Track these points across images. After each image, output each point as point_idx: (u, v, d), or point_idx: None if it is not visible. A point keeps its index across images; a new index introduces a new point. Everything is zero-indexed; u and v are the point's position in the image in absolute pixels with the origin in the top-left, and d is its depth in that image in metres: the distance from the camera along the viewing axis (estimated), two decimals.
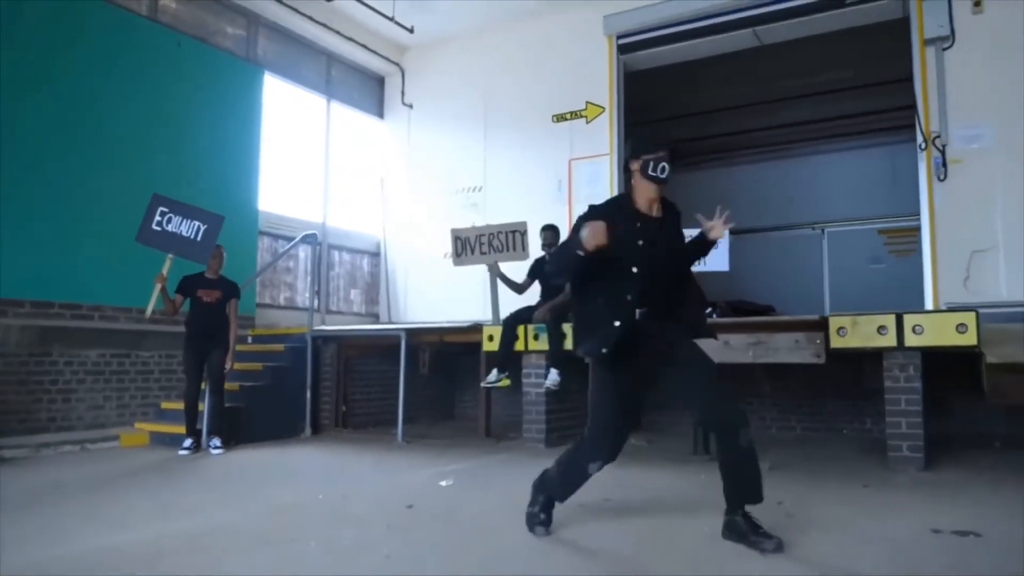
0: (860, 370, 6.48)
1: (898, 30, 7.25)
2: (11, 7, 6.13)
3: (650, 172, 3.00)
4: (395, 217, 9.68)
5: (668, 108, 10.85)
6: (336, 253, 9.17)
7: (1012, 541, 3.09)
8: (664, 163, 2.98)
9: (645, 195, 3.07)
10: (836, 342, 5.10)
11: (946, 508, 3.72)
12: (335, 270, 9.14)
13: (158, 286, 5.69)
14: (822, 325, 5.18)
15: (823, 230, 11.74)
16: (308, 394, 7.05)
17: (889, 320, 5.00)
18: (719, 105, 10.94)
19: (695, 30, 7.86)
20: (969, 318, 4.81)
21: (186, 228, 5.82)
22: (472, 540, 3.17)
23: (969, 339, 4.78)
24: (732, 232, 11.65)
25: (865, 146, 11.39)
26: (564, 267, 3.07)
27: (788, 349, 5.34)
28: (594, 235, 2.77)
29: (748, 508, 2.98)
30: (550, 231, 6.61)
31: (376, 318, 9.62)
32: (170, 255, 5.75)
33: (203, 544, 3.11)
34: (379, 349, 7.74)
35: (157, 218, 5.73)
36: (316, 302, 8.21)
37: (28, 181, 6.13)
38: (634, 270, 2.96)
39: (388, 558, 2.85)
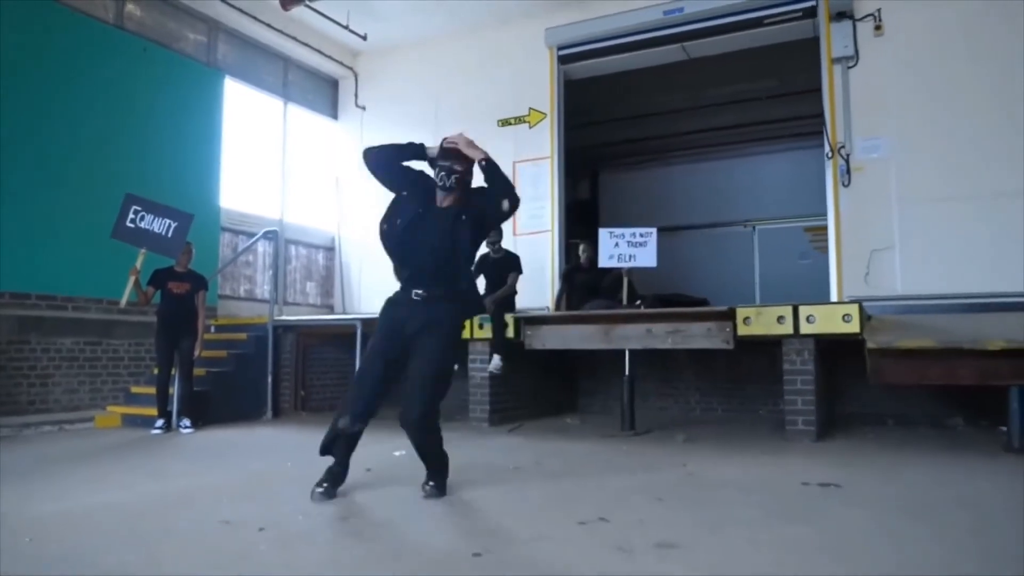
0: (775, 357, 7.25)
1: (812, 47, 8.04)
2: None
3: (437, 181, 3.54)
4: (349, 213, 10.18)
5: (606, 112, 11.57)
6: (293, 247, 9.65)
7: (863, 490, 3.84)
8: (446, 174, 3.49)
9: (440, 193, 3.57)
10: (742, 330, 5.85)
11: (821, 468, 4.46)
12: (292, 264, 9.62)
13: (132, 279, 6.13)
14: (730, 315, 5.92)
15: (754, 227, 12.62)
16: (269, 379, 7.57)
17: (787, 311, 5.76)
18: (653, 110, 11.69)
19: (629, 44, 8.53)
20: (853, 309, 5.60)
21: (158, 225, 6.27)
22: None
23: (853, 327, 5.56)
24: (668, 229, 12.32)
25: (791, 148, 12.23)
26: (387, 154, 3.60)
27: (702, 336, 6.07)
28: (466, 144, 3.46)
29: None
30: (494, 230, 7.23)
31: (331, 309, 10.12)
32: (143, 250, 6.19)
33: (196, 498, 3.67)
34: (335, 338, 8.28)
35: (130, 216, 6.17)
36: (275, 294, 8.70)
37: (3, 182, 6.50)
38: (408, 252, 3.55)
39: (356, 503, 3.45)
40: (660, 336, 6.17)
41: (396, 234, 3.55)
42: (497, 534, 2.97)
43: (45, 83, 6.89)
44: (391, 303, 3.67)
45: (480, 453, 5.20)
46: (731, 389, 7.90)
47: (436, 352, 3.46)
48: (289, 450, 5.49)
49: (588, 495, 3.73)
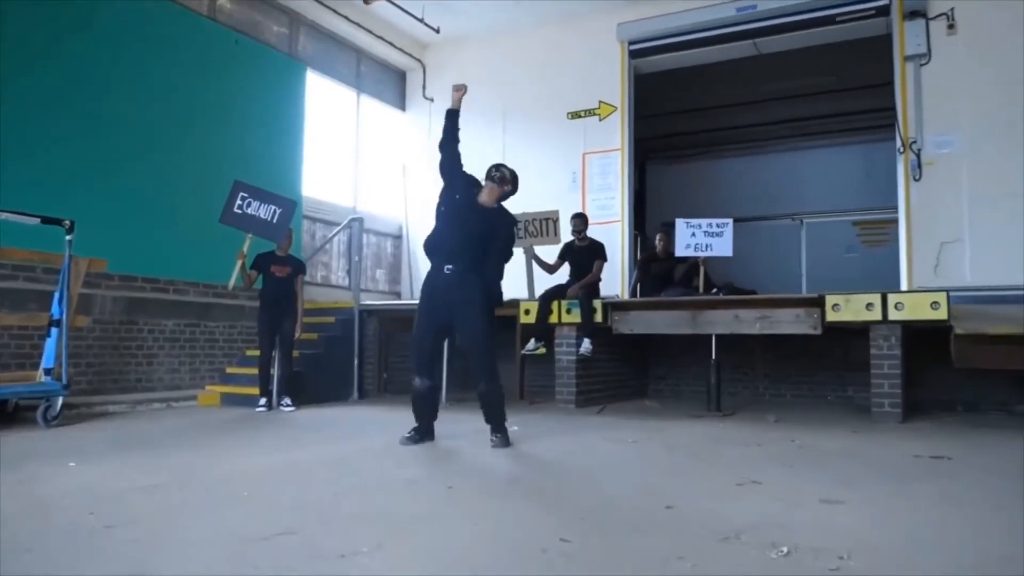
0: (847, 345, 7.43)
1: (879, 43, 8.18)
2: (88, 8, 6.73)
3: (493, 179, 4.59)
4: (416, 203, 10.42)
5: (669, 104, 11.72)
6: (364, 235, 9.89)
7: (974, 461, 4.06)
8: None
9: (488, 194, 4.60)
10: (831, 316, 6.05)
11: (921, 443, 4.67)
12: (364, 251, 9.86)
13: (239, 262, 6.43)
14: (819, 302, 6.12)
15: (802, 221, 12.75)
16: (356, 362, 7.83)
17: (875, 298, 5.95)
18: (707, 104, 11.85)
19: (701, 40, 8.73)
20: (941, 297, 5.79)
21: (264, 211, 6.56)
22: (504, 460, 4.07)
23: (941, 314, 5.75)
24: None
25: (842, 144, 12.42)
26: (445, 133, 4.62)
27: (790, 322, 6.28)
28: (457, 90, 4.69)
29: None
30: (579, 219, 7.48)
31: (398, 296, 10.40)
32: (249, 235, 6.48)
33: (335, 463, 3.93)
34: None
35: (238, 202, 6.46)
36: (351, 280, 9.01)
37: (114, 169, 6.78)
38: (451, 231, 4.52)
39: (450, 489, 3.71)
40: (748, 322, 6.39)
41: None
42: (674, 493, 3.18)
43: (148, 73, 7.12)
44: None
45: (587, 430, 5.44)
46: (800, 377, 8.09)
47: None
48: (385, 427, 5.62)
49: (722, 464, 3.97)
